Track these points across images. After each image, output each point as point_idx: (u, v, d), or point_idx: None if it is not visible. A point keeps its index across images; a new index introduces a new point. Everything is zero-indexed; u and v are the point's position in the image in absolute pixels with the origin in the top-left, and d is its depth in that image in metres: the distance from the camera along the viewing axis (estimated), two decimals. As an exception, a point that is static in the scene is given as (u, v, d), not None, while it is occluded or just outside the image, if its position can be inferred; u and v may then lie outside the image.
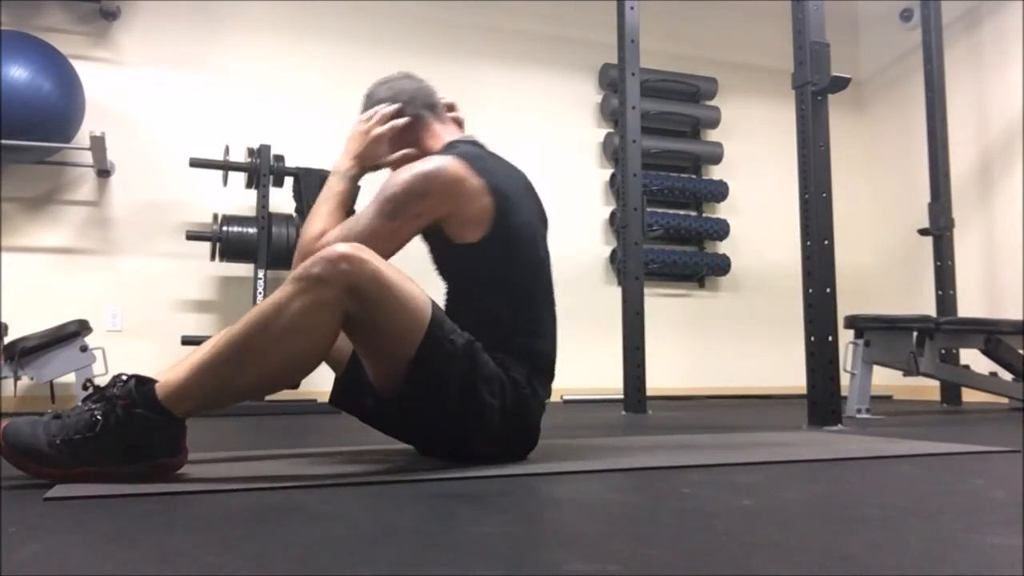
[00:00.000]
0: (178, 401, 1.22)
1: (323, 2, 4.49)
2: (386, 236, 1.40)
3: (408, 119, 1.62)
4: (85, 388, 1.28)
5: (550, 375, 1.54)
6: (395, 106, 1.63)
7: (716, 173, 5.18)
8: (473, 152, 1.52)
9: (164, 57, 4.22)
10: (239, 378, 1.24)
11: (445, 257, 1.53)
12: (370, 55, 4.54)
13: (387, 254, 1.39)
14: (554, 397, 3.19)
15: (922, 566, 0.72)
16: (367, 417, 1.49)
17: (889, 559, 0.75)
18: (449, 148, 1.55)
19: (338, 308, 1.24)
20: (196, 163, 3.74)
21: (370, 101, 1.68)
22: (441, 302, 1.48)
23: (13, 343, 3.26)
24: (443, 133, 1.64)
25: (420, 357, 1.32)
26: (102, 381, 1.43)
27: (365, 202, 1.46)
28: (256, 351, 1.22)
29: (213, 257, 3.84)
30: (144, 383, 1.23)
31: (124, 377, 1.24)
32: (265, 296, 3.72)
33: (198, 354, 1.34)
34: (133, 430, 1.20)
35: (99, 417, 1.19)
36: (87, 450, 1.19)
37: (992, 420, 2.95)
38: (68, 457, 1.19)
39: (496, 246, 1.46)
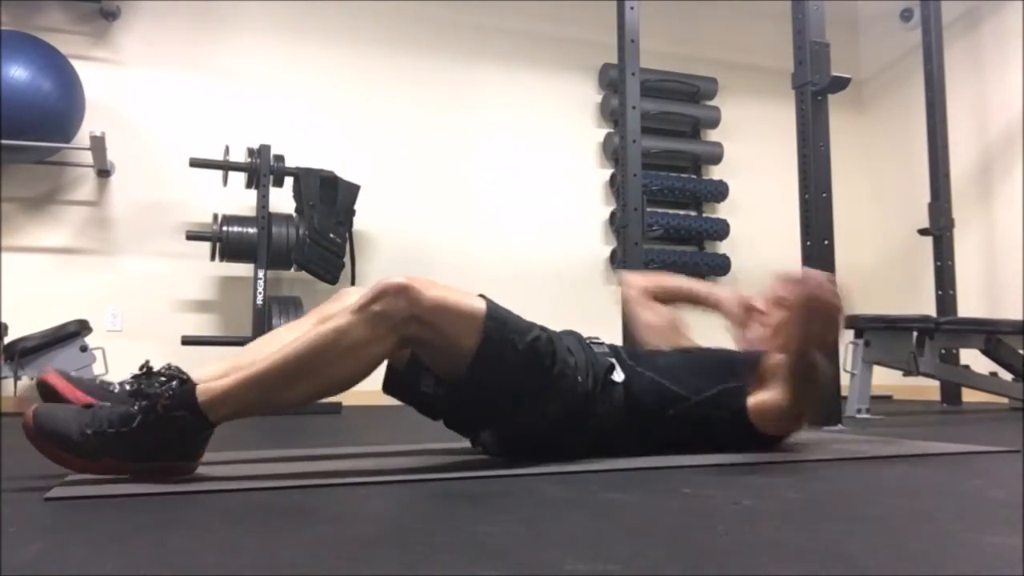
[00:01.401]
0: (218, 407, 1.22)
1: (323, 2, 4.48)
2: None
3: None
4: (136, 376, 1.25)
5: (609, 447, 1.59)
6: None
7: (716, 173, 5.18)
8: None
9: (164, 57, 4.22)
10: (284, 394, 1.27)
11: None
12: (370, 55, 4.54)
13: None
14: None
15: (922, 566, 0.72)
16: (422, 405, 1.52)
17: (889, 559, 0.75)
18: None
19: (392, 338, 1.29)
20: (196, 163, 3.74)
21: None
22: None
23: (13, 343, 3.26)
24: None
25: (479, 357, 1.36)
26: (104, 372, 1.42)
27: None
28: (309, 371, 1.26)
29: (213, 257, 3.84)
30: (185, 382, 1.23)
31: (164, 375, 1.22)
32: (265, 296, 3.73)
33: (248, 366, 1.27)
34: (168, 431, 1.19)
35: (139, 414, 1.18)
36: (118, 444, 1.18)
37: (992, 420, 2.95)
38: (96, 449, 1.17)
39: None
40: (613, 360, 1.58)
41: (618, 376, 1.55)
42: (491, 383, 1.39)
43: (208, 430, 1.24)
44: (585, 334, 1.64)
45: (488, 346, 1.35)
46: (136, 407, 1.19)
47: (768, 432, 1.58)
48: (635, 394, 1.55)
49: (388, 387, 1.53)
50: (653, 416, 1.55)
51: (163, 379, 1.22)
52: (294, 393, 1.27)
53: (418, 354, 1.44)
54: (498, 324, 1.37)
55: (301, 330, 1.36)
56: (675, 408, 1.56)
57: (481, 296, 1.40)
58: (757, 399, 1.55)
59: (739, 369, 1.60)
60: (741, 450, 1.54)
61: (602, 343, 1.63)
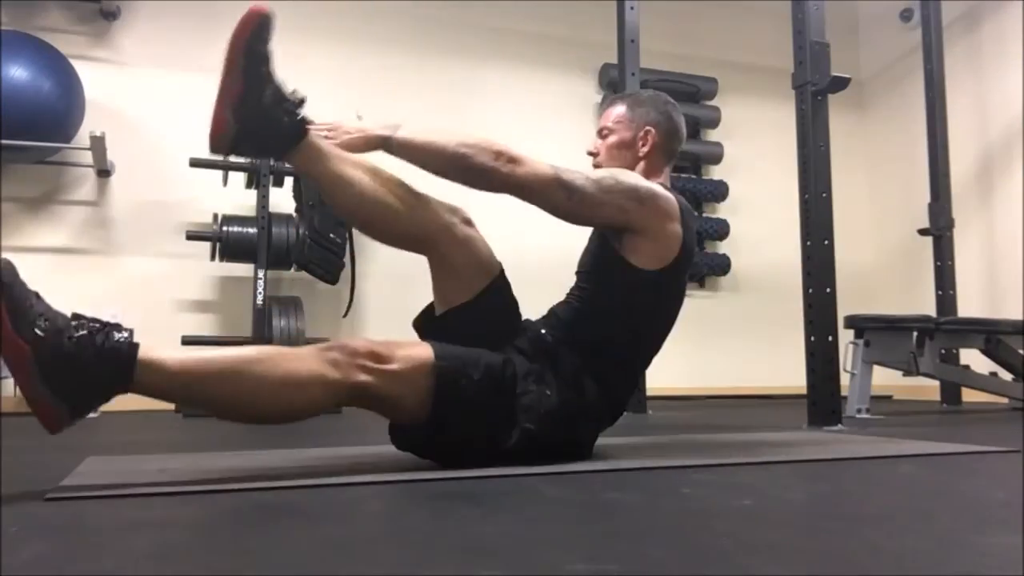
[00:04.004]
0: (147, 369, 1.17)
1: (323, 2, 4.48)
2: (594, 204, 1.49)
3: (653, 143, 1.71)
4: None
5: (620, 407, 1.61)
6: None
7: (716, 173, 5.18)
8: (685, 206, 1.61)
9: (164, 57, 4.21)
10: (210, 390, 1.22)
11: (606, 267, 1.57)
12: (370, 55, 4.54)
13: (581, 219, 1.52)
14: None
15: (922, 566, 0.72)
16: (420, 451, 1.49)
17: (889, 559, 0.75)
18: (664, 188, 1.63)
19: (342, 395, 1.30)
20: (196, 163, 3.74)
21: (628, 101, 1.76)
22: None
23: (13, 343, 3.25)
24: (658, 176, 1.72)
25: (438, 401, 1.34)
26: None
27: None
28: (252, 386, 1.23)
29: (213, 257, 3.84)
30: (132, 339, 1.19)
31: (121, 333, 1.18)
32: (265, 296, 3.72)
33: (205, 358, 1.25)
34: (88, 360, 1.14)
35: (77, 328, 1.15)
36: (41, 346, 1.13)
37: (992, 420, 2.95)
38: (27, 331, 1.13)
39: (655, 295, 1.57)
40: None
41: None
42: (454, 421, 1.36)
43: (119, 387, 1.17)
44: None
45: (444, 391, 1.34)
46: (76, 323, 1.17)
47: (642, 251, 1.54)
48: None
49: (399, 443, 1.49)
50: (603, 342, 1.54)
51: (112, 330, 1.18)
52: (220, 392, 1.22)
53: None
54: (449, 373, 1.35)
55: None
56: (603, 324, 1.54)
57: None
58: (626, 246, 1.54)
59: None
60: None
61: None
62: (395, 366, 1.31)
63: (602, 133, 1.77)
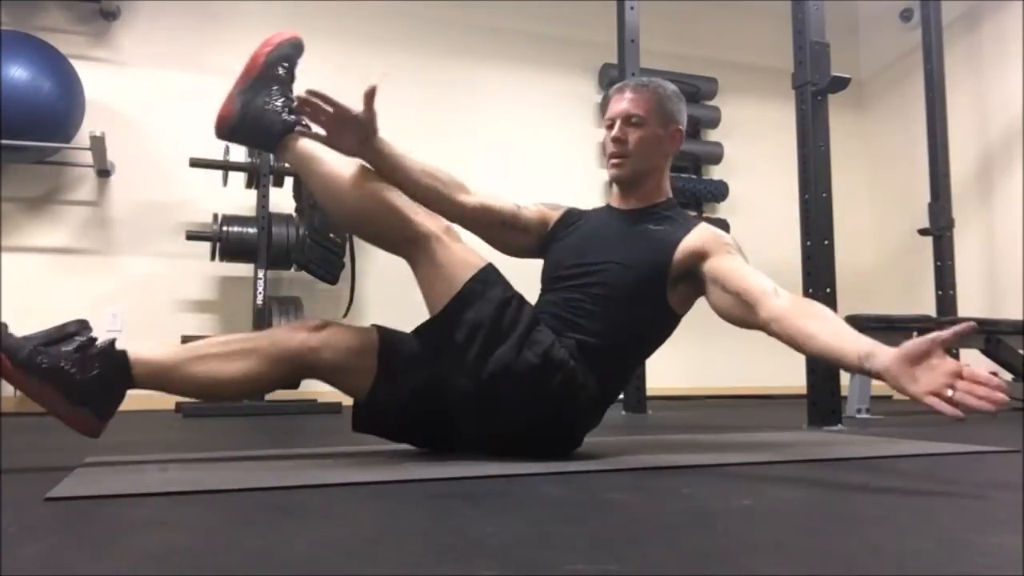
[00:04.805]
0: (142, 365, 1.41)
1: (323, 2, 4.48)
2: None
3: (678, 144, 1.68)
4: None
5: (611, 401, 1.63)
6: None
7: (716, 173, 5.18)
8: None
9: (164, 57, 4.21)
10: (194, 367, 1.43)
11: (644, 301, 1.55)
12: (370, 55, 4.53)
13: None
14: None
15: (922, 566, 0.72)
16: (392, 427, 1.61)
17: (889, 559, 0.75)
18: (695, 219, 1.66)
19: (295, 361, 1.45)
20: (196, 163, 3.74)
21: (660, 94, 1.65)
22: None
23: (13, 343, 3.25)
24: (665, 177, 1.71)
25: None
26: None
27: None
28: (225, 353, 1.44)
29: (213, 257, 3.84)
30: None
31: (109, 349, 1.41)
32: (265, 296, 3.72)
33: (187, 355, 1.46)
34: (92, 369, 1.37)
35: (75, 349, 1.38)
36: (49, 371, 1.33)
37: (992, 420, 2.94)
38: (32, 365, 1.32)
39: (672, 327, 1.63)
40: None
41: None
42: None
43: (125, 384, 1.39)
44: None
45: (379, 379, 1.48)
46: (74, 340, 1.38)
47: None
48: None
49: (357, 424, 1.56)
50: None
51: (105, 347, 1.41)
52: (204, 368, 1.42)
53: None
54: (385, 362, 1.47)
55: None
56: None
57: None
58: None
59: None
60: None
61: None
62: (338, 327, 1.48)
63: (630, 120, 1.60)
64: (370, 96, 1.50)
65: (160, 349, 1.44)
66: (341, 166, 1.49)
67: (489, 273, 1.46)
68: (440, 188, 1.58)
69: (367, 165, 1.52)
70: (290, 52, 1.60)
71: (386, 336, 1.50)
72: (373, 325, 1.53)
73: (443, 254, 1.44)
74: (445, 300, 1.43)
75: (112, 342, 1.40)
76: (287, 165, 1.67)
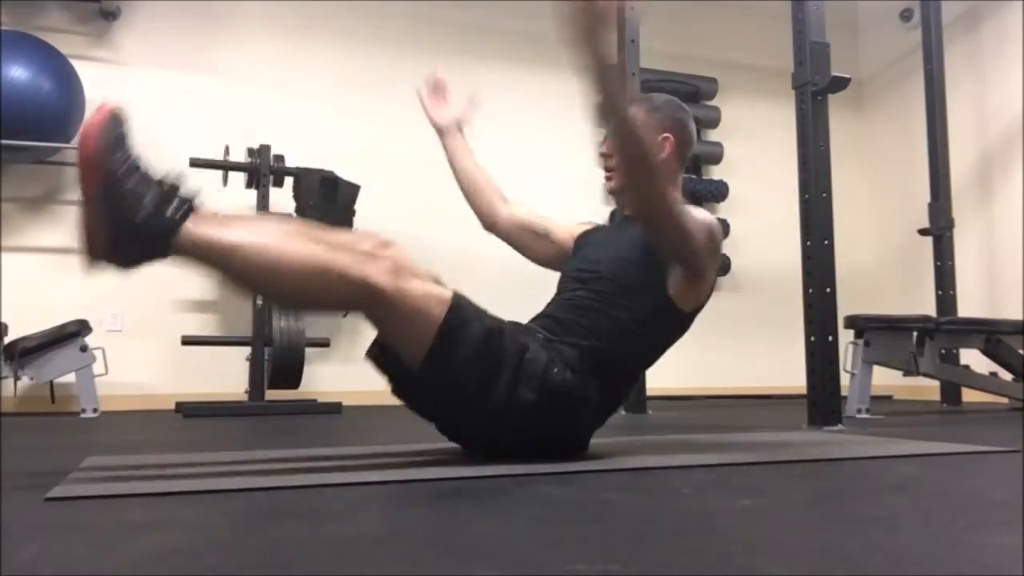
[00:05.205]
0: (190, 247, 1.30)
1: (323, 2, 4.48)
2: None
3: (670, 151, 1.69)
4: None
5: (616, 406, 1.64)
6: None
7: (716, 173, 5.18)
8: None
9: (164, 57, 4.21)
10: (253, 276, 1.29)
11: (646, 295, 1.57)
12: (370, 55, 4.53)
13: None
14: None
15: (922, 566, 0.72)
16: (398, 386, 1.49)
17: (889, 559, 0.75)
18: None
19: (360, 294, 1.29)
20: (196, 163, 3.74)
21: (644, 108, 1.71)
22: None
23: (13, 343, 3.26)
24: (673, 186, 1.68)
25: (442, 333, 1.35)
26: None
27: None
28: (276, 265, 1.27)
29: (213, 257, 3.84)
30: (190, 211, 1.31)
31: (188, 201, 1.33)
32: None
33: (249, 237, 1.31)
34: (148, 203, 1.37)
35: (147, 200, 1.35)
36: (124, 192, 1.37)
37: (992, 420, 2.95)
38: (119, 174, 1.37)
39: (680, 330, 1.66)
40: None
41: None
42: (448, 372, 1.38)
43: (164, 242, 1.32)
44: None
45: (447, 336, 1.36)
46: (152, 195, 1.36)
47: (683, 291, 1.58)
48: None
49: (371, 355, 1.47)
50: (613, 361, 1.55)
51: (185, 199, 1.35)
52: (262, 282, 1.31)
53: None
54: (456, 318, 1.37)
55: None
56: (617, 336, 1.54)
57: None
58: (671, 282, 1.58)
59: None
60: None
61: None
62: (416, 283, 1.34)
63: None
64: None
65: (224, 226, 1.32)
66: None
67: (457, 313, 1.36)
68: (488, 183, 1.93)
69: (279, 227, 1.35)
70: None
71: (454, 319, 1.37)
72: (455, 293, 1.41)
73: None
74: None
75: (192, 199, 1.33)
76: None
